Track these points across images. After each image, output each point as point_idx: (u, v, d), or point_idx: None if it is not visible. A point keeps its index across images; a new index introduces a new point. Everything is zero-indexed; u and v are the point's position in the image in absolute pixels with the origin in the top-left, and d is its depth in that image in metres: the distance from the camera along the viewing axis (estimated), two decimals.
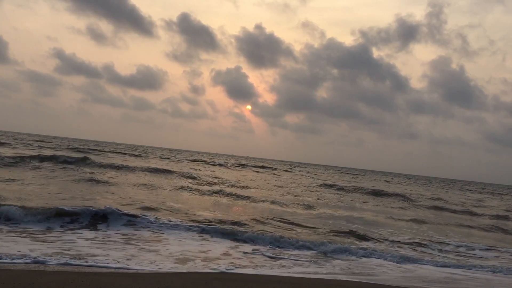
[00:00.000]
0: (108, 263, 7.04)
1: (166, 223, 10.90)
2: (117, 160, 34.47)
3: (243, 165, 56.18)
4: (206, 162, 52.33)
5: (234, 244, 9.83)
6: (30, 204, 11.13)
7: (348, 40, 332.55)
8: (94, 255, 7.46)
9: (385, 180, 62.38)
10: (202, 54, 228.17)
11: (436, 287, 7.68)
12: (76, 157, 28.18)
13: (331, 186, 32.94)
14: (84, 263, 6.88)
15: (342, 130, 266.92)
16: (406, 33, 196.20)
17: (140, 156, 48.85)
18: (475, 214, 23.94)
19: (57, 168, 22.32)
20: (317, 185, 32.73)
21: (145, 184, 20.40)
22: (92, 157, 31.00)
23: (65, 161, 25.49)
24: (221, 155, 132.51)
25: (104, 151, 47.96)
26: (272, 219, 13.69)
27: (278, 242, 10.17)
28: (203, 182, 24.86)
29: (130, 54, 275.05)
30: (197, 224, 11.24)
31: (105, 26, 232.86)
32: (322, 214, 16.56)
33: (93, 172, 21.41)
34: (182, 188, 20.77)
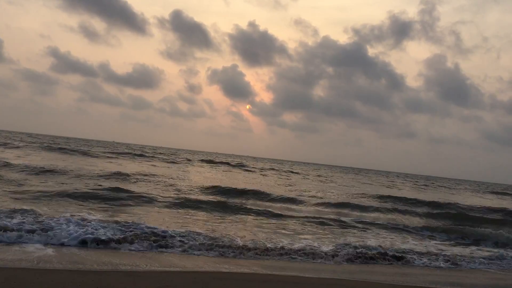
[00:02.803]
0: None
1: None
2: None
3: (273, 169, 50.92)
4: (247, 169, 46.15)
5: None
6: None
7: (341, 37, 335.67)
8: None
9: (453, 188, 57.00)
10: (196, 52, 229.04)
11: None
12: None
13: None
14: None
15: (340, 129, 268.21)
16: (399, 30, 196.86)
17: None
18: None
19: None
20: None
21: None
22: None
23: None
24: (224, 155, 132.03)
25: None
26: None
27: None
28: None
29: (125, 52, 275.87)
30: None
31: (97, 23, 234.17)
32: None
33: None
34: None
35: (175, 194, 16.79)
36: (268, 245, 9.44)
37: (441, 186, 59.23)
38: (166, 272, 6.73)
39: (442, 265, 9.74)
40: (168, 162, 41.84)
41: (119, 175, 20.97)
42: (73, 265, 6.59)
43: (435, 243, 12.76)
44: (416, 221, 17.26)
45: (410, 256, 10.07)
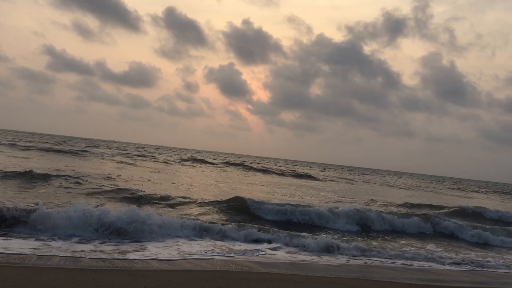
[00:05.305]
0: None
1: None
2: None
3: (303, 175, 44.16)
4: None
5: None
6: None
7: (336, 35, 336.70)
8: None
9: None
10: (191, 50, 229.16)
11: None
12: None
13: None
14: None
15: (338, 128, 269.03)
16: (393, 27, 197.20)
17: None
18: None
19: None
20: None
21: None
22: None
23: None
24: (225, 154, 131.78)
25: None
26: None
27: None
28: None
29: (120, 50, 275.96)
30: None
31: (91, 21, 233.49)
32: None
33: None
34: None
35: None
36: None
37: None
38: (166, 271, 6.71)
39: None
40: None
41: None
42: (72, 264, 6.58)
43: None
44: None
45: None
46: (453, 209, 20.74)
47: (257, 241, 9.97)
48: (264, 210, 13.68)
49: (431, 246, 12.07)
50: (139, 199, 13.92)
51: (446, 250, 11.75)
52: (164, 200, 14.36)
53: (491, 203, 32.44)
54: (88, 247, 7.83)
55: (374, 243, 11.68)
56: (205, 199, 15.41)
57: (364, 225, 13.78)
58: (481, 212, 20.53)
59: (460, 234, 14.27)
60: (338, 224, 13.36)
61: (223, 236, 9.96)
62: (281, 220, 13.28)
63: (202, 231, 10.01)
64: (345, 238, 11.78)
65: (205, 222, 10.62)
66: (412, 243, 12.49)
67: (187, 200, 15.03)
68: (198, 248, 8.70)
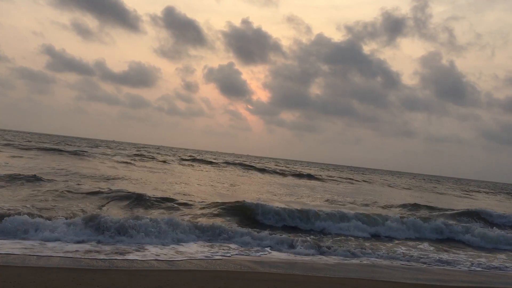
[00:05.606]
0: None
1: None
2: None
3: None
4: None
5: None
6: None
7: (335, 35, 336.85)
8: None
9: None
10: (190, 50, 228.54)
11: None
12: None
13: None
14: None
15: (338, 128, 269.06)
16: (393, 27, 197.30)
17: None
18: None
19: None
20: None
21: None
22: None
23: None
24: (225, 154, 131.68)
25: None
26: None
27: None
28: None
29: (119, 50, 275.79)
30: None
31: (90, 21, 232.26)
32: None
33: None
34: None
35: None
36: None
37: None
38: (166, 271, 6.71)
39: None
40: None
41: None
42: (72, 264, 6.57)
43: None
44: None
45: None
46: (458, 211, 20.25)
47: (257, 242, 9.95)
48: (264, 212, 13.38)
49: (436, 249, 12.04)
50: (139, 200, 13.90)
51: (449, 253, 11.75)
52: (164, 201, 14.33)
53: (496, 204, 32.43)
54: (85, 247, 7.83)
55: (375, 245, 11.70)
56: (205, 200, 15.48)
57: (368, 228, 13.62)
58: (488, 215, 19.58)
59: (465, 237, 14.00)
60: (340, 226, 13.26)
61: (223, 237, 9.94)
62: (281, 223, 13.21)
63: (201, 232, 9.99)
64: (338, 238, 11.85)
65: (205, 223, 10.61)
66: (417, 245, 12.48)
67: (187, 200, 15.02)
68: (197, 249, 8.72)
